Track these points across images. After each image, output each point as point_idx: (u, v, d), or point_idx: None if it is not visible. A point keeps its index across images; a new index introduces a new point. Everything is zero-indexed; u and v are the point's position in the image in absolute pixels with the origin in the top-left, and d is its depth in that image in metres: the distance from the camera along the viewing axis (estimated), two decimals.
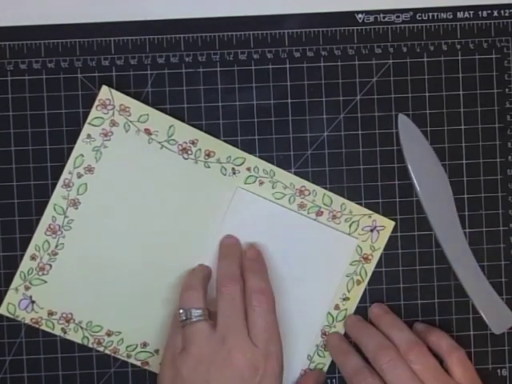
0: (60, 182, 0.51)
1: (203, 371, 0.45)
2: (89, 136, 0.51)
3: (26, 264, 0.52)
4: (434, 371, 0.47)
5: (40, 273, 0.52)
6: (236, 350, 0.46)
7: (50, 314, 0.52)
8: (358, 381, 0.48)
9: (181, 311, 0.48)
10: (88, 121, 0.51)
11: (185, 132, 0.52)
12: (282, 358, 0.47)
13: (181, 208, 0.52)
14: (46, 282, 0.52)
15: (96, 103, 0.51)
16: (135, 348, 0.53)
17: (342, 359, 0.51)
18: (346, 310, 0.53)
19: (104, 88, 0.51)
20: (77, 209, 0.52)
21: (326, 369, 0.53)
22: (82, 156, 0.51)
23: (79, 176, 0.52)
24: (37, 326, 0.52)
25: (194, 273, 0.51)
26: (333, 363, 0.53)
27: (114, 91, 0.52)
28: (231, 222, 0.52)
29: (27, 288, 0.52)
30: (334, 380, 0.53)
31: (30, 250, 0.52)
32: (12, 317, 0.52)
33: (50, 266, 0.52)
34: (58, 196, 0.51)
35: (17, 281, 0.52)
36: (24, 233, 0.52)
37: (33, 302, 0.52)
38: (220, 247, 0.52)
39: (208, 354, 0.46)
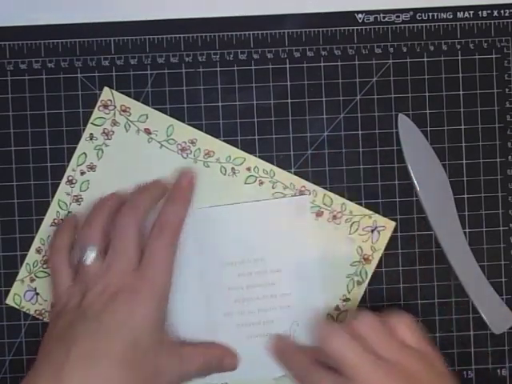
0: (64, 179, 0.52)
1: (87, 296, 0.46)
2: (91, 135, 0.52)
3: (31, 256, 0.52)
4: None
5: (44, 266, 0.52)
6: (115, 275, 0.47)
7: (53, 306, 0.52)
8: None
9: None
10: (91, 121, 0.52)
11: (183, 132, 0.52)
12: (166, 287, 0.48)
13: None
14: (49, 274, 0.52)
15: (98, 104, 0.52)
16: None
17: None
18: (346, 310, 0.53)
19: (106, 89, 0.52)
20: (79, 205, 0.52)
21: None
22: (85, 154, 0.52)
23: (82, 173, 0.52)
24: (40, 317, 0.52)
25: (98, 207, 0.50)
26: None
27: (115, 92, 0.52)
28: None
29: (32, 280, 0.52)
30: None
31: (36, 243, 0.52)
32: (18, 307, 0.52)
33: None
34: (62, 192, 0.52)
35: (23, 272, 0.52)
36: (24, 233, 0.52)
37: (37, 293, 0.52)
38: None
39: (91, 280, 0.47)
